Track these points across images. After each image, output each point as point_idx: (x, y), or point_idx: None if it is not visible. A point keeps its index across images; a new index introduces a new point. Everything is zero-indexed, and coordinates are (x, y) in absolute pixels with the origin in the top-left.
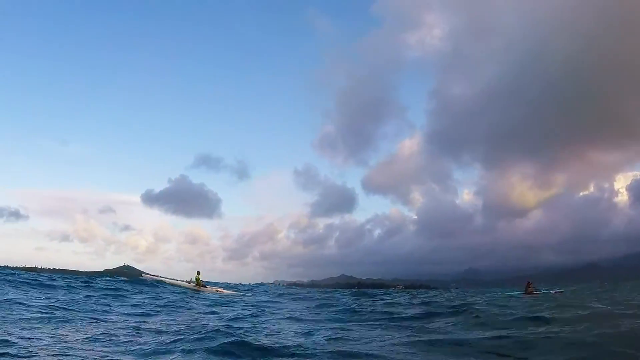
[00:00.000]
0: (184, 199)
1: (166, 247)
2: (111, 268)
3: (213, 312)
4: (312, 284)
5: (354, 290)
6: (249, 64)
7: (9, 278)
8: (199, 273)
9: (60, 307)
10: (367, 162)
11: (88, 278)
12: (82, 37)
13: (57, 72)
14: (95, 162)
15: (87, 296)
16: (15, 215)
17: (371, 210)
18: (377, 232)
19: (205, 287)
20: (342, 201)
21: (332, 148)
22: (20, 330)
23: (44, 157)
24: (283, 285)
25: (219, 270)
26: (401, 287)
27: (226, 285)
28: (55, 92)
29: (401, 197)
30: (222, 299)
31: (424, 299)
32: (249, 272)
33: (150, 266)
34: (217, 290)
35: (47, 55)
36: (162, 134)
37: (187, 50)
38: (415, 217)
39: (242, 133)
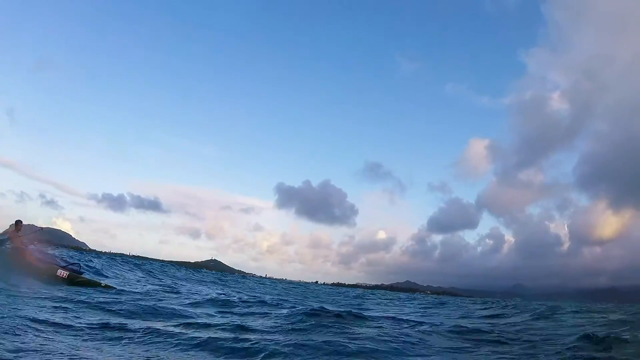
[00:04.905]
0: (320, 205)
1: (286, 249)
2: (200, 261)
3: None
4: (375, 286)
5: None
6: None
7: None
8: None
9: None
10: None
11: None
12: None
13: (205, 72)
14: (230, 164)
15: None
16: (155, 206)
17: (479, 228)
18: (478, 248)
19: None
20: (459, 219)
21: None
22: None
23: (177, 153)
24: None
25: (324, 271)
26: (429, 292)
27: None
28: (200, 94)
29: (510, 218)
30: None
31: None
32: (350, 275)
33: (263, 265)
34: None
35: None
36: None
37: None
38: (513, 239)
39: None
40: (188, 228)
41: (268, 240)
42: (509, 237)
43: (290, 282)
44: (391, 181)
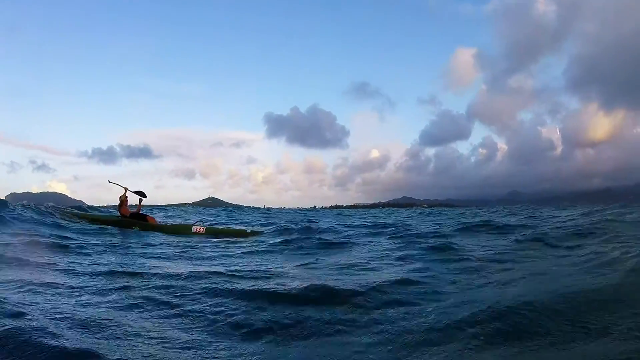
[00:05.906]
0: (310, 130)
1: (282, 178)
2: (198, 200)
3: None
4: (372, 205)
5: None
6: None
7: None
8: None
9: None
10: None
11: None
12: None
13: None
14: (215, 100)
15: None
16: (146, 153)
17: (472, 138)
18: (471, 158)
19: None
20: (451, 131)
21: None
22: None
23: (161, 97)
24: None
25: (321, 196)
26: (425, 206)
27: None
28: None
29: (501, 126)
30: None
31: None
32: (347, 196)
33: (260, 197)
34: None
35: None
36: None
37: None
38: (505, 146)
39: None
40: (182, 170)
41: (262, 172)
42: (502, 145)
43: (290, 209)
44: (380, 99)
